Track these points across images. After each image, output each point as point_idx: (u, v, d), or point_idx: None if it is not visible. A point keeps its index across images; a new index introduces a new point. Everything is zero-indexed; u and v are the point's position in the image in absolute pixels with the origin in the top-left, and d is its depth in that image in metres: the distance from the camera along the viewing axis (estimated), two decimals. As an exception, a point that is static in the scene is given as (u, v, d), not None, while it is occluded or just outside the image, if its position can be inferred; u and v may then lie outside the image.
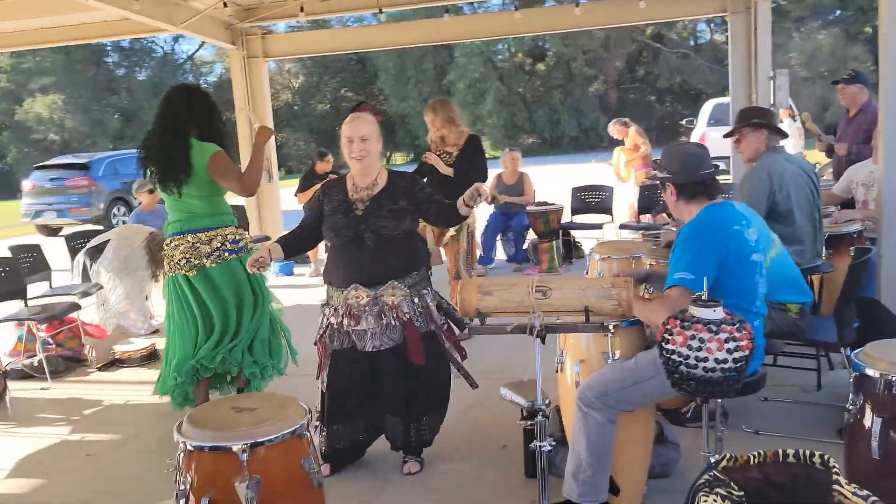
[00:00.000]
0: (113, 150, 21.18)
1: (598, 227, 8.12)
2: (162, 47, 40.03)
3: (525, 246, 8.44)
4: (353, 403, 3.32)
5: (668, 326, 2.17)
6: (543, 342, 2.28)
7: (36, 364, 5.23)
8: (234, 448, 2.04)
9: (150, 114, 34.21)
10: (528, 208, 8.00)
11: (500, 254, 8.63)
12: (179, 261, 3.89)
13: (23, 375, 5.23)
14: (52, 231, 14.80)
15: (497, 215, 8.40)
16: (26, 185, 15.06)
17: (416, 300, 3.21)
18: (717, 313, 2.14)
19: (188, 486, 2.08)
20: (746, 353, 2.14)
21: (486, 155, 5.81)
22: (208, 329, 3.94)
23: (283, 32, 9.71)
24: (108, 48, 38.03)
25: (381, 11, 7.76)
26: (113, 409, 4.64)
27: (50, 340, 5.58)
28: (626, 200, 8.94)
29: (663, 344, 2.18)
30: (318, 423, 3.33)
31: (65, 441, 4.13)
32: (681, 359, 2.14)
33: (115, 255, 5.92)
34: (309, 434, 2.19)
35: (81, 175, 14.72)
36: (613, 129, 9.35)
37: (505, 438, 3.61)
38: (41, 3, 7.66)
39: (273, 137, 4.02)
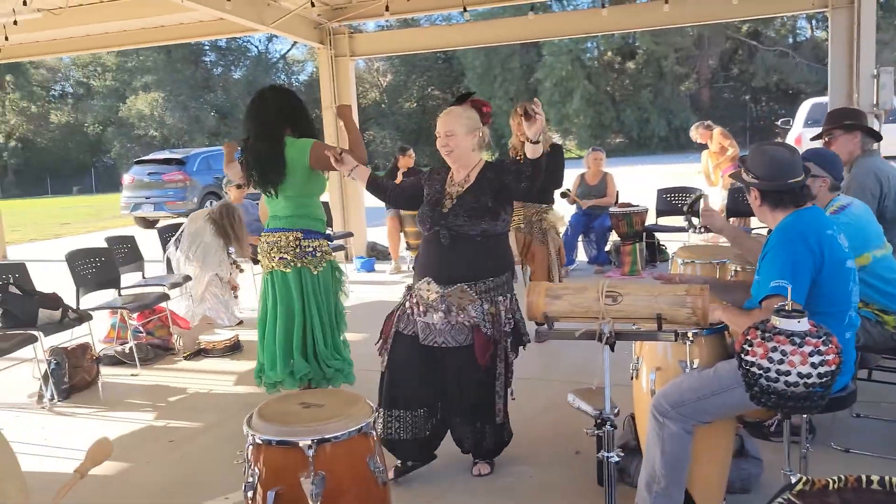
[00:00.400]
0: (208, 147, 21.96)
1: (684, 230, 7.87)
2: (256, 47, 41.29)
3: (607, 248, 8.29)
4: (411, 391, 3.24)
5: (749, 337, 2.07)
6: (613, 350, 2.21)
7: (127, 351, 5.45)
8: (301, 444, 2.07)
9: (244, 111, 35.55)
10: (610, 209, 7.85)
11: (582, 255, 8.50)
12: (273, 257, 4.02)
13: (114, 361, 5.47)
14: (149, 223, 15.44)
15: (579, 216, 8.28)
16: (126, 178, 15.77)
17: (486, 306, 3.12)
18: (802, 324, 2.03)
19: (256, 479, 2.11)
20: (833, 367, 2.02)
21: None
22: (294, 330, 4.06)
23: (372, 31, 9.78)
24: (206, 47, 39.50)
25: (465, 10, 7.74)
26: (196, 397, 4.79)
27: (141, 329, 5.81)
28: (714, 205, 8.61)
29: (742, 355, 2.08)
30: (379, 409, 3.29)
31: (150, 427, 4.29)
32: (761, 371, 2.03)
33: (186, 235, 6.20)
34: (374, 433, 2.19)
35: (177, 170, 15.32)
36: (696, 133, 9.02)
37: (580, 444, 3.54)
38: (143, 4, 7.98)
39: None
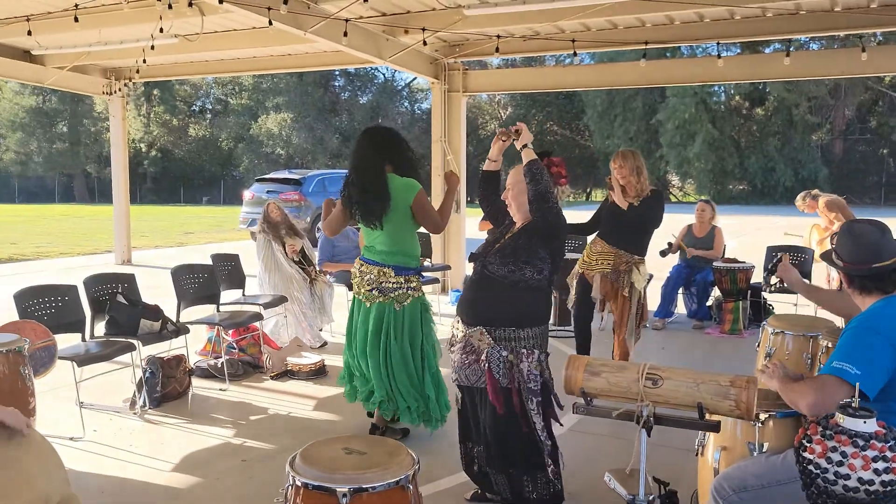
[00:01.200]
0: (328, 169, 22.75)
1: (791, 291, 7.48)
2: (383, 74, 42.54)
3: (709, 303, 7.99)
4: (471, 426, 3.37)
5: (809, 432, 1.95)
6: (649, 434, 2.12)
7: (219, 366, 5.69)
8: (338, 490, 2.09)
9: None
10: (714, 264, 7.57)
11: (682, 307, 8.24)
12: (362, 286, 4.21)
13: (206, 374, 5.71)
14: (263, 239, 16.09)
15: (681, 268, 8.03)
16: (246, 194, 16.54)
17: (505, 353, 3.06)
18: (869, 426, 1.89)
19: (293, 520, 2.15)
20: (900, 476, 1.87)
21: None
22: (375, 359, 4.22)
23: (487, 69, 9.93)
24: (336, 73, 41.05)
25: (575, 54, 7.73)
26: (276, 419, 4.94)
27: (234, 345, 6.05)
28: (821, 278, 8.04)
29: (801, 451, 1.96)
30: None
31: (227, 444, 4.44)
32: (818, 471, 1.91)
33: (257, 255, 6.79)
34: (412, 487, 2.19)
35: (294, 189, 15.95)
36: (802, 204, 8.45)
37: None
38: (272, 34, 8.39)
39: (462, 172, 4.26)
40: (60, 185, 43.89)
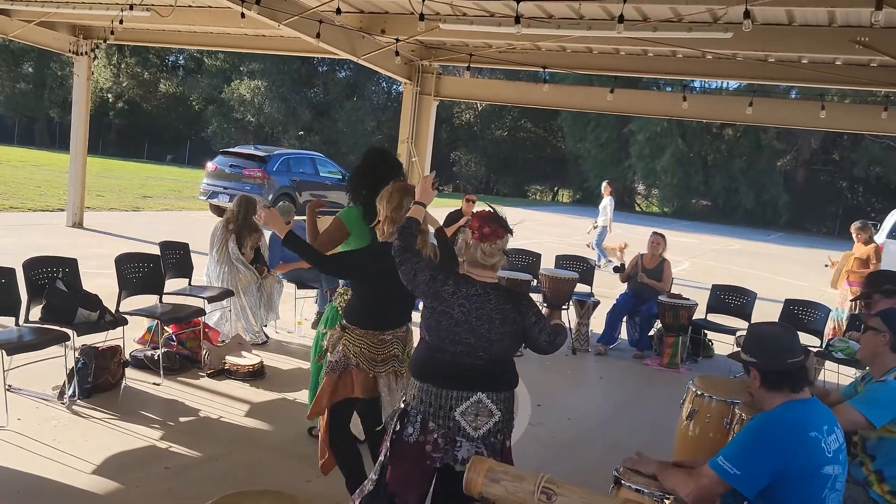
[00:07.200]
0: (295, 149, 22.55)
1: (732, 331, 7.68)
2: (363, 51, 42.01)
3: (651, 333, 8.15)
4: None
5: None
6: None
7: (155, 358, 5.65)
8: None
9: (340, 112, 35.60)
10: (660, 298, 7.71)
11: (624, 335, 8.39)
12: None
13: (142, 365, 5.67)
14: (222, 212, 15.92)
15: (628, 296, 8.16)
16: (209, 166, 16.32)
17: None
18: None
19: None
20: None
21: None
22: None
23: (461, 77, 9.93)
24: (315, 45, 40.45)
25: (545, 69, 7.80)
26: (205, 422, 4.92)
27: (174, 337, 6.01)
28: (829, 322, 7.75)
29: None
30: None
31: (152, 448, 4.42)
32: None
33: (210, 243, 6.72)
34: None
35: (258, 167, 15.78)
36: (854, 229, 8.63)
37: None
38: (249, 20, 8.28)
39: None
40: (21, 126, 42.75)
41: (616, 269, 8.59)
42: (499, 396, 2.84)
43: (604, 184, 14.92)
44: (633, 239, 15.43)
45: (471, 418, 2.78)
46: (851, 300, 7.98)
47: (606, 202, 14.21)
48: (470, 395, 2.79)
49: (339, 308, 4.27)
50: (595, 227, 14.41)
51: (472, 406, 2.79)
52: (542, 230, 20.54)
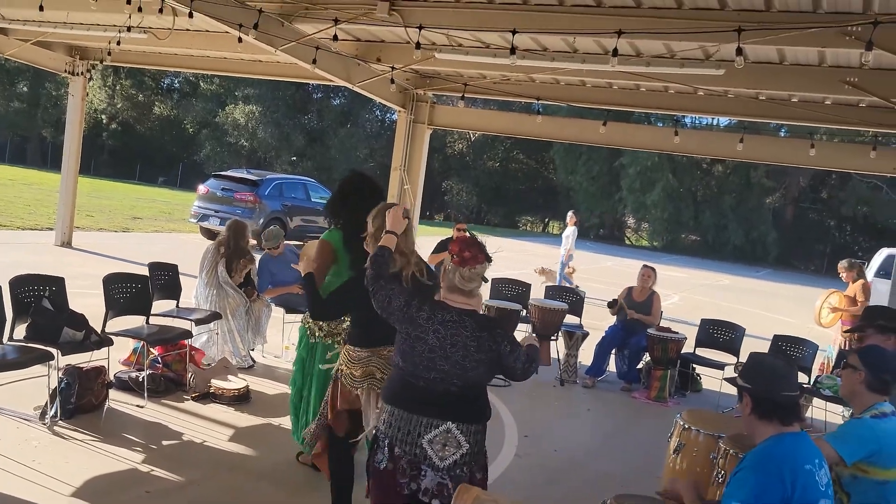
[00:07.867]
0: (287, 174, 22.55)
1: (720, 366, 7.68)
2: (358, 80, 42.30)
3: (640, 366, 8.13)
4: None
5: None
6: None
7: (140, 380, 5.58)
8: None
9: (333, 139, 35.60)
10: (649, 331, 7.71)
11: (612, 367, 8.36)
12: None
13: (126, 387, 5.61)
14: (212, 236, 15.89)
15: (617, 329, 8.15)
16: (201, 189, 16.30)
17: None
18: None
19: None
20: None
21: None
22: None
23: (455, 106, 10.01)
24: (311, 72, 40.73)
25: (539, 100, 7.87)
26: (189, 446, 4.86)
27: (159, 359, 5.95)
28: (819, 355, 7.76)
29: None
30: None
31: (133, 471, 4.35)
32: None
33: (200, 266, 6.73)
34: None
35: (249, 191, 15.77)
36: (842, 268, 8.68)
37: None
38: (246, 44, 8.34)
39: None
40: (13, 145, 42.70)
41: (610, 304, 8.51)
42: (469, 429, 2.80)
43: (569, 213, 15.01)
44: (622, 273, 15.46)
45: (438, 447, 2.75)
46: (845, 331, 8.04)
47: (569, 232, 14.36)
48: (440, 424, 2.76)
49: (309, 328, 4.39)
50: (572, 271, 14.47)
51: (440, 435, 2.76)
52: (529, 261, 20.54)
